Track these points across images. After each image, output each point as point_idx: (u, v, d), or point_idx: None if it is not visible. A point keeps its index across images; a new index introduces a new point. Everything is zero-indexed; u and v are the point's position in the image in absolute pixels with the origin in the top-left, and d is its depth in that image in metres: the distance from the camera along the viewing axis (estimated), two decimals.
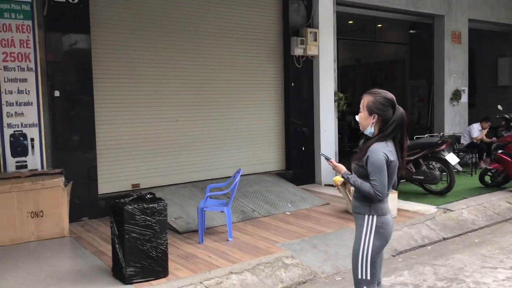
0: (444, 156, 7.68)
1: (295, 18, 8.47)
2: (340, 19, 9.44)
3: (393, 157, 2.93)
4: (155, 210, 4.26)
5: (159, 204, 4.30)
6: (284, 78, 8.57)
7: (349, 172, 3.10)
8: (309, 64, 8.67)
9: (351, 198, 3.46)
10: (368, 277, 3.01)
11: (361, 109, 3.05)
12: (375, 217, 2.98)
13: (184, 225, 5.97)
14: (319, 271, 4.84)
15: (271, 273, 4.67)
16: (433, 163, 7.81)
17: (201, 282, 4.34)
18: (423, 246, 5.74)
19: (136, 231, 4.17)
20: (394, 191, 6.51)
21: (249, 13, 8.08)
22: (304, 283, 4.66)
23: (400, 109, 2.97)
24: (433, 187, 7.88)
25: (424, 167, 7.74)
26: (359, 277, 3.03)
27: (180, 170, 7.42)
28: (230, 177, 7.57)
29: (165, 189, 7.05)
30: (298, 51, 8.36)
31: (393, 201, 6.34)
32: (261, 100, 8.36)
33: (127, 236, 4.15)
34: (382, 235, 2.99)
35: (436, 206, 6.93)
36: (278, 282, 4.57)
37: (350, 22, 11.78)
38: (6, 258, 4.98)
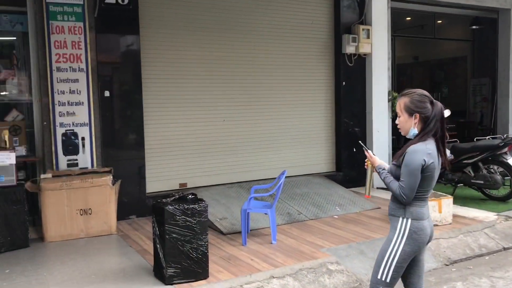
0: (507, 159, 7.16)
1: (347, 15, 8.21)
2: (397, 16, 9.08)
3: (432, 159, 2.78)
4: (195, 211, 4.21)
5: (199, 205, 4.25)
6: (335, 76, 8.34)
7: (383, 167, 3.01)
8: (361, 62, 8.39)
9: (369, 185, 3.30)
10: (388, 280, 2.87)
11: (399, 113, 2.93)
12: (409, 220, 2.84)
13: (229, 226, 5.91)
14: (365, 279, 4.61)
15: (314, 279, 4.51)
16: (494, 167, 7.31)
17: (241, 286, 4.25)
18: (480, 256, 5.36)
19: (177, 232, 4.14)
20: (448, 195, 6.15)
21: (299, 10, 7.92)
22: None
23: (438, 104, 2.85)
24: (494, 192, 7.39)
25: (484, 171, 7.27)
26: (378, 277, 2.90)
27: (227, 170, 7.38)
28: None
29: (211, 188, 7.04)
30: (349, 49, 8.11)
31: (448, 206, 6.01)
32: (310, 100, 8.17)
33: (167, 236, 4.12)
34: (415, 241, 2.82)
35: (496, 213, 6.48)
36: None
37: (407, 18, 11.36)
38: (55, 253, 5.13)
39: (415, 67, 14.50)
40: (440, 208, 5.95)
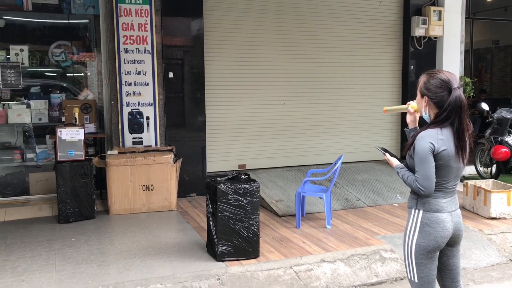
0: None
1: None
2: None
3: (444, 146, 2.54)
4: (247, 191, 4.26)
5: (251, 185, 4.29)
6: (403, 60, 8.03)
7: (401, 165, 2.78)
8: (431, 46, 8.00)
9: (394, 108, 3.13)
10: (415, 280, 2.67)
11: (417, 91, 2.73)
12: (421, 212, 2.64)
13: (284, 208, 5.93)
14: None
15: (366, 265, 4.43)
16: None
17: (290, 267, 4.26)
18: None
19: (229, 210, 4.22)
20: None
21: None
22: (401, 279, 4.34)
23: (456, 92, 2.56)
24: None
25: None
26: (408, 277, 2.72)
27: (287, 154, 7.38)
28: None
29: (270, 171, 7.08)
30: (419, 31, 7.76)
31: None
32: (375, 84, 7.94)
33: (219, 214, 4.22)
34: (429, 234, 2.60)
35: None
36: (373, 276, 4.32)
37: (489, 0, 10.67)
38: (118, 226, 5.41)
39: (495, 51, 13.60)
40: (509, 201, 5.60)
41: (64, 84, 6.83)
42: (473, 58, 11.66)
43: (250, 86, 7.07)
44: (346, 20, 7.57)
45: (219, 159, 6.96)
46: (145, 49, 6.25)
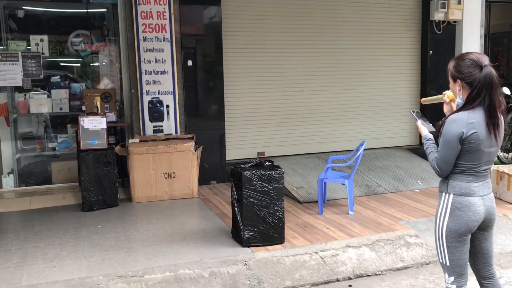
0: None
1: None
2: None
3: (475, 128, 2.50)
4: (272, 177, 4.27)
5: (276, 171, 4.30)
6: (422, 45, 7.95)
7: (430, 136, 2.78)
8: (450, 30, 7.90)
9: (431, 99, 3.13)
10: (447, 263, 2.67)
11: (449, 78, 2.69)
12: (451, 195, 2.63)
13: (305, 195, 5.94)
14: None
15: (392, 250, 4.43)
16: None
17: (316, 252, 4.28)
18: None
19: (254, 196, 4.24)
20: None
21: None
22: (427, 264, 4.34)
23: (487, 68, 2.50)
24: None
25: None
26: (440, 260, 2.72)
27: (305, 141, 7.38)
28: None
29: (289, 158, 7.08)
30: (438, 15, 7.66)
31: None
32: (394, 70, 7.87)
33: (245, 201, 4.24)
34: (459, 218, 2.59)
35: None
36: (398, 261, 4.32)
37: None
38: (142, 213, 5.46)
39: None
40: None
41: (84, 74, 6.87)
42: (490, 42, 11.49)
43: (268, 74, 7.05)
44: (365, 4, 7.49)
45: (238, 147, 6.97)
46: (164, 37, 6.25)
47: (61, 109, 6.55)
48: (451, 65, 2.67)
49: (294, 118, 7.28)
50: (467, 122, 2.51)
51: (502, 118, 2.59)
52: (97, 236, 4.67)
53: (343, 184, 5.43)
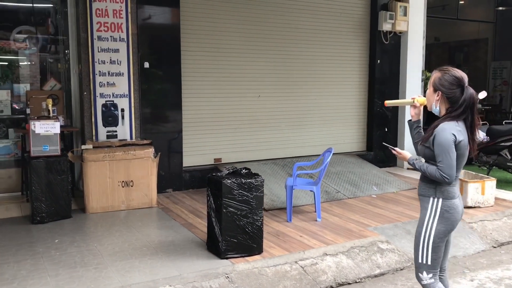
0: None
1: None
2: None
3: (462, 136, 2.73)
4: (252, 186, 4.14)
5: (256, 179, 4.18)
6: (370, 54, 8.19)
7: (414, 157, 2.98)
8: (396, 41, 8.23)
9: (395, 102, 3.28)
10: (429, 262, 2.87)
11: (429, 85, 2.91)
12: (440, 200, 2.82)
13: (269, 202, 5.85)
14: None
15: (367, 257, 4.46)
16: None
17: (296, 262, 4.20)
18: None
19: (233, 206, 4.08)
20: (491, 178, 6.08)
21: None
22: (401, 269, 4.42)
23: (470, 89, 2.76)
24: None
25: None
26: (419, 261, 2.90)
27: (261, 147, 7.30)
28: (313, 155, 7.40)
29: (246, 164, 6.88)
30: (386, 26, 7.94)
31: (491, 188, 5.93)
32: (344, 77, 8.04)
33: (224, 210, 4.06)
34: (448, 220, 2.81)
35: None
36: (375, 268, 4.36)
37: None
38: (100, 225, 5.08)
39: (434, 48, 14.26)
40: (483, 190, 5.88)
41: (28, 73, 6.30)
42: None
43: (226, 78, 6.90)
44: (317, 13, 7.57)
45: (195, 153, 6.74)
46: (120, 37, 5.90)
47: (1, 111, 5.95)
48: (435, 75, 2.85)
49: (251, 124, 7.18)
50: (457, 129, 2.72)
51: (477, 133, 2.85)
52: (57, 252, 4.26)
53: (311, 191, 5.41)
